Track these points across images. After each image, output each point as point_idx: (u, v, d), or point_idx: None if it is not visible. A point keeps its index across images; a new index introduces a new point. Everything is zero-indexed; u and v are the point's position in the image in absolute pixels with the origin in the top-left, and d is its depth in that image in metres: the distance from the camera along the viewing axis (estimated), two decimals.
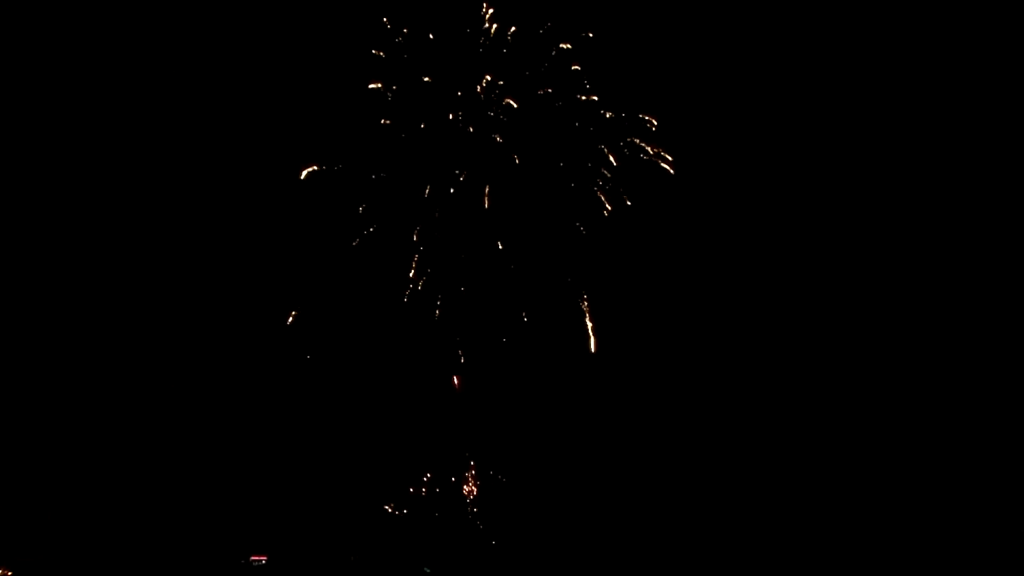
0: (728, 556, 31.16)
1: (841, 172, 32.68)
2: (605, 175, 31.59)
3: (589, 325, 31.57)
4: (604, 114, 31.47)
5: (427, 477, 32.47)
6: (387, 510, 32.22)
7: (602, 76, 31.41)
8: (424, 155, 31.86)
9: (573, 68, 31.26)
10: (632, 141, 31.49)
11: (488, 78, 31.29)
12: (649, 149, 31.30)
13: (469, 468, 32.52)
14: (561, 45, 31.14)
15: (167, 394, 31.78)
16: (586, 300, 31.71)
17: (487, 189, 31.71)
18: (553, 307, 32.20)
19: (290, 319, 32.30)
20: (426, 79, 31.35)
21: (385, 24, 31.19)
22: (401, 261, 32.38)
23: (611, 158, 31.48)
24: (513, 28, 31.15)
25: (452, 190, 31.78)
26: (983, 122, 31.28)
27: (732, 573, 31.04)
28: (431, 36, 31.29)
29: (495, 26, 31.22)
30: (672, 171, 31.30)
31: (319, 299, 32.61)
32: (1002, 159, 31.13)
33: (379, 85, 31.60)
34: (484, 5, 31.10)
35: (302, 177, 31.48)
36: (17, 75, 31.21)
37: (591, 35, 31.12)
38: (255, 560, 31.26)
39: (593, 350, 31.52)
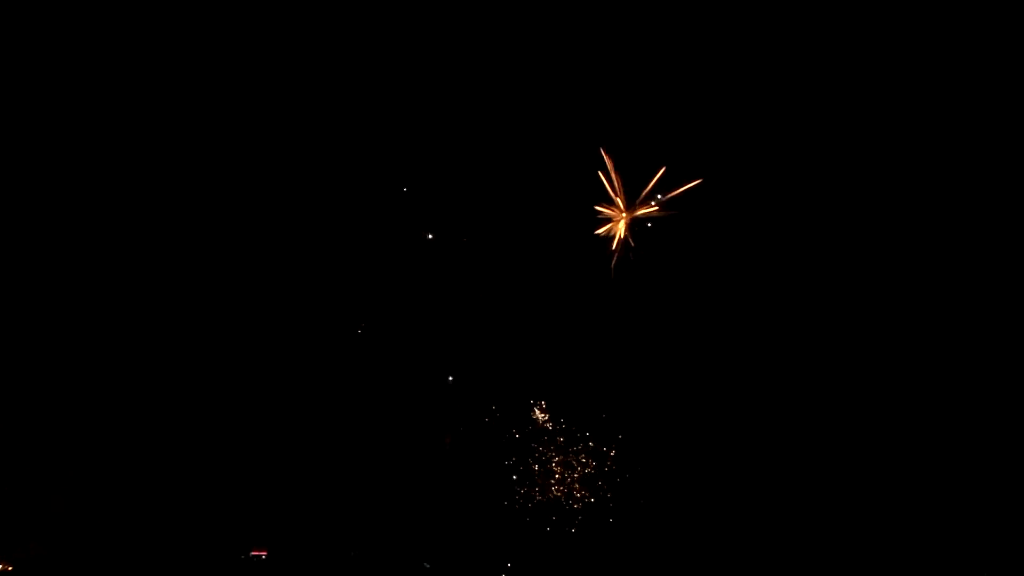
0: (728, 556, 31.30)
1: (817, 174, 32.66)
2: None
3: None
4: None
5: (427, 475, 32.60)
6: (387, 508, 32.33)
7: None
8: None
9: None
10: None
11: None
12: None
13: (469, 467, 32.66)
14: None
15: (167, 391, 31.93)
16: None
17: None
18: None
19: (290, 318, 32.63)
20: None
21: None
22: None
23: None
24: None
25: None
26: (983, 122, 31.32)
27: (732, 573, 31.19)
28: None
29: None
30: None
31: (316, 296, 32.89)
32: (1002, 159, 31.19)
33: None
34: None
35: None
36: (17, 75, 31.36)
37: None
38: (255, 555, 31.42)
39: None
